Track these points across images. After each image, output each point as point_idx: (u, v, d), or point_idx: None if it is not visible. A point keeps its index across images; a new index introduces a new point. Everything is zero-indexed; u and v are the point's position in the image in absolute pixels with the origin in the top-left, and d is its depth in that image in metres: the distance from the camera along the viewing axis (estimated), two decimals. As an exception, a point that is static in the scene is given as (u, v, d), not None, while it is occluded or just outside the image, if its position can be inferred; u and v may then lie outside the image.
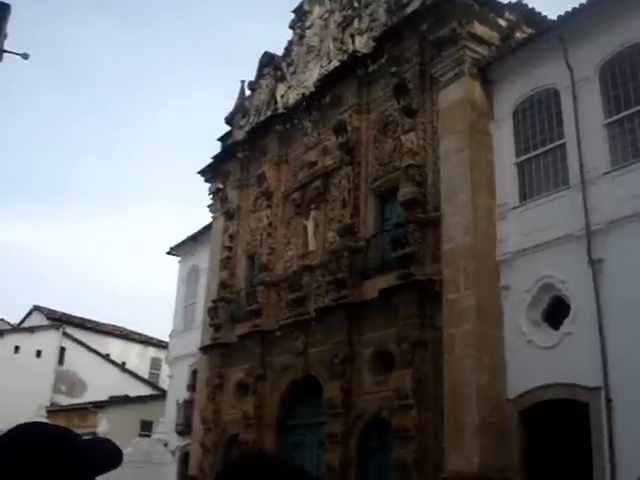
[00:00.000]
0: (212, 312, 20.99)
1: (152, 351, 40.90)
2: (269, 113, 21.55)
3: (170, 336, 27.54)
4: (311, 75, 20.21)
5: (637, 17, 12.32)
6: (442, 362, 13.41)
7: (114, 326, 42.02)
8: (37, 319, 38.90)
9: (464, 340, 13.11)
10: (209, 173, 23.80)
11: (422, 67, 15.90)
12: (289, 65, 21.70)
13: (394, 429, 13.90)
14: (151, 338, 41.50)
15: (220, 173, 23.15)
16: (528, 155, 14.04)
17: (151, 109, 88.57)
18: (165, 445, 23.77)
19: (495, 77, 14.88)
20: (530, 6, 15.79)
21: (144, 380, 37.31)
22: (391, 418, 14.09)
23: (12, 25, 13.80)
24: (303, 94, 20.19)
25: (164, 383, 32.90)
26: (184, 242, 27.24)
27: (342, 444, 15.14)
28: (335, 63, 19.02)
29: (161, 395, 30.26)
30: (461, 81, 14.72)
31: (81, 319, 40.45)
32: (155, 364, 39.76)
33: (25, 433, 1.54)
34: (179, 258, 27.93)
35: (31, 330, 35.99)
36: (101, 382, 33.82)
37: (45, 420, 19.93)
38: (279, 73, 21.94)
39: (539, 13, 15.72)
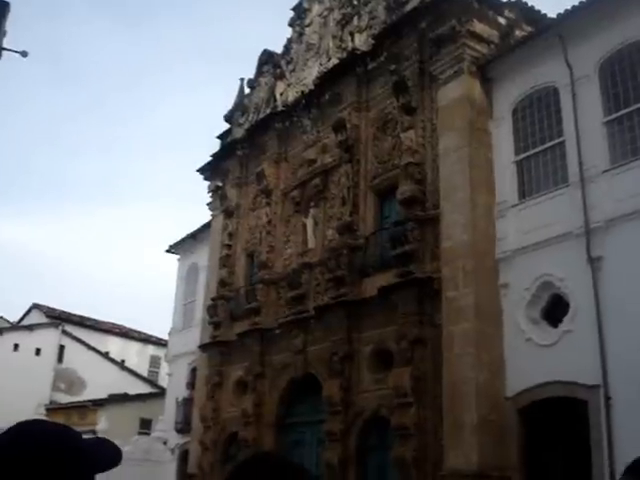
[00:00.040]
0: (211, 310, 21.00)
1: (151, 349, 40.92)
2: (268, 111, 21.53)
3: (169, 334, 27.54)
4: (310, 73, 20.19)
5: (636, 15, 12.32)
6: (441, 360, 13.42)
7: (113, 324, 42.03)
8: (36, 317, 38.90)
9: (463, 338, 13.11)
10: (208, 171, 23.79)
11: (421, 65, 15.90)
12: (288, 63, 21.69)
13: (393, 427, 13.91)
14: (150, 336, 41.50)
15: (219, 171, 23.14)
16: (527, 153, 14.04)
17: (150, 107, 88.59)
18: (164, 443, 23.80)
19: (494, 75, 14.87)
20: (529, 4, 15.80)
21: (143, 378, 37.31)
22: (390, 416, 14.10)
23: (11, 23, 13.79)
24: (302, 92, 20.18)
25: (163, 381, 32.91)
26: (183, 240, 27.23)
27: (341, 442, 15.14)
28: (334, 61, 19.00)
29: (160, 393, 30.25)
30: (460, 79, 14.72)
31: (80, 317, 40.44)
32: (154, 362, 39.76)
33: (25, 431, 1.54)
34: (178, 256, 27.93)
35: (30, 328, 35.98)
36: (100, 380, 33.84)
37: (44, 418, 19.92)
38: (278, 71, 21.93)
39: (538, 11, 15.72)
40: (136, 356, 40.08)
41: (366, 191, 17.02)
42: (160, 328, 33.14)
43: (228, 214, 22.08)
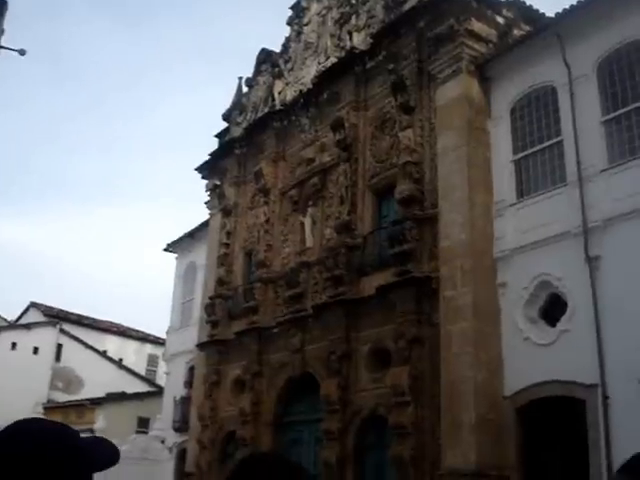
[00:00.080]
0: (209, 309, 20.99)
1: (149, 348, 40.91)
2: (266, 110, 21.52)
3: (167, 333, 27.54)
4: (308, 72, 20.19)
5: (635, 14, 12.33)
6: (439, 359, 13.42)
7: (111, 323, 42.02)
8: (34, 316, 38.84)
9: (461, 337, 13.12)
10: (206, 170, 23.78)
11: (420, 64, 15.90)
12: (286, 62, 21.68)
13: (391, 426, 13.92)
14: (148, 335, 41.48)
15: (217, 170, 23.13)
16: (525, 152, 14.04)
17: (150, 107, 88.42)
18: (162, 442, 23.81)
19: (493, 74, 14.87)
20: (528, 3, 15.81)
21: (141, 377, 37.29)
22: (388, 415, 14.11)
23: (9, 21, 13.81)
24: (300, 91, 20.17)
25: (161, 380, 32.89)
26: (181, 239, 27.23)
27: (339, 441, 15.15)
28: (332, 60, 19.00)
29: (158, 392, 30.25)
30: (459, 78, 14.72)
31: (78, 316, 40.40)
32: (152, 361, 39.74)
33: (23, 429, 1.54)
34: (176, 255, 27.92)
35: (28, 327, 35.95)
36: (98, 379, 33.82)
37: (42, 417, 19.90)
38: (276, 70, 21.92)
39: (537, 10, 15.72)
40: (134, 355, 40.06)
41: (364, 190, 17.02)
42: (158, 327, 33.26)
43: (226, 213, 22.07)
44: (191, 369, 23.74)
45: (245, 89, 23.65)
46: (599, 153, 12.51)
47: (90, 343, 36.86)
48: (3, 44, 13.87)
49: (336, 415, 15.34)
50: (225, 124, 23.86)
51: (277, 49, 22.52)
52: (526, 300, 13.09)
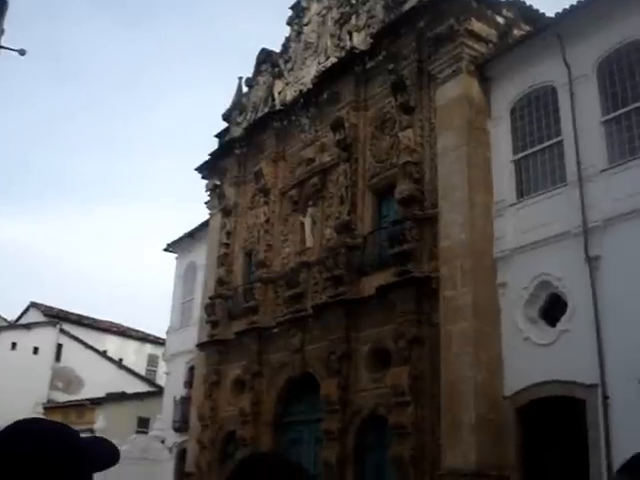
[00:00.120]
0: (209, 309, 20.99)
1: (149, 348, 40.91)
2: (266, 110, 21.52)
3: (167, 333, 27.54)
4: (308, 72, 20.19)
5: (635, 14, 12.33)
6: (439, 359, 13.42)
7: (111, 323, 42.01)
8: (34, 316, 38.85)
9: (461, 337, 13.11)
10: (206, 170, 23.78)
11: (420, 64, 15.90)
12: (286, 62, 21.68)
13: (391, 426, 13.92)
14: (148, 335, 41.48)
15: (217, 170, 23.13)
16: (525, 152, 14.04)
17: (149, 106, 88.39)
18: (162, 442, 23.81)
19: (493, 74, 14.87)
20: (528, 3, 15.81)
21: (141, 377, 37.29)
22: (388, 415, 14.11)
23: (9, 21, 13.80)
24: (300, 91, 20.17)
25: (161, 380, 32.89)
26: (181, 239, 27.23)
27: (339, 441, 15.15)
28: (332, 60, 19.00)
29: (158, 392, 30.25)
30: (459, 78, 14.72)
31: (78, 316, 40.40)
32: (152, 361, 39.74)
33: (23, 429, 1.54)
34: (176, 255, 27.93)
35: (28, 327, 35.96)
36: (98, 379, 33.82)
37: (42, 417, 19.90)
38: (276, 70, 21.92)
39: (537, 10, 15.72)
40: (134, 355, 40.06)
41: (364, 190, 17.02)
42: (158, 327, 33.23)
43: (226, 213, 22.08)
44: (191, 369, 23.74)
45: (245, 89, 23.65)
46: (599, 153, 12.51)
47: (90, 343, 36.87)
48: (3, 44, 13.87)
49: (336, 415, 15.34)
50: (225, 124, 23.86)
51: (277, 49, 22.52)
52: (526, 300, 13.09)
